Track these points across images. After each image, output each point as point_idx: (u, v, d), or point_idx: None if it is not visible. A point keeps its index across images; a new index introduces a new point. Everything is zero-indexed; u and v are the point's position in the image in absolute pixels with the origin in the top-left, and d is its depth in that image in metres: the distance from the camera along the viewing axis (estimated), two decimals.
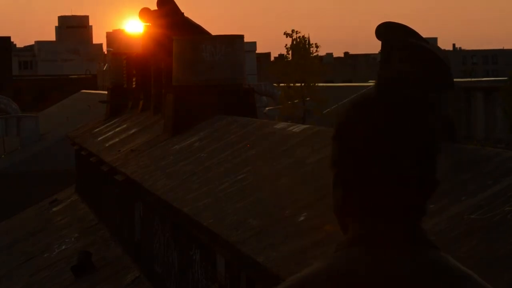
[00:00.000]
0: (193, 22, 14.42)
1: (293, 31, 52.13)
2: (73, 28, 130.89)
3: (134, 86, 18.11)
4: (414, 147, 1.86)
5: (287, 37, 51.83)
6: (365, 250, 1.87)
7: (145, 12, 15.21)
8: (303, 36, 52.07)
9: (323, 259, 1.91)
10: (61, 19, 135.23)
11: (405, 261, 1.85)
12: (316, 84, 51.19)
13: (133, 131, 15.48)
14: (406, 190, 1.87)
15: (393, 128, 1.86)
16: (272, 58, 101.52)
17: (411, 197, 1.88)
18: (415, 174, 1.87)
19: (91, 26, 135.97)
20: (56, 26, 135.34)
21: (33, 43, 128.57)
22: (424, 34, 6.68)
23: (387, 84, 1.91)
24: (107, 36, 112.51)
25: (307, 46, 52.09)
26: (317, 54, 53.34)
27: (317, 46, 52.38)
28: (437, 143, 1.91)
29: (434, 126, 1.90)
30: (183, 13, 14.53)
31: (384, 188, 1.87)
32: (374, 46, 69.90)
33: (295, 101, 50.10)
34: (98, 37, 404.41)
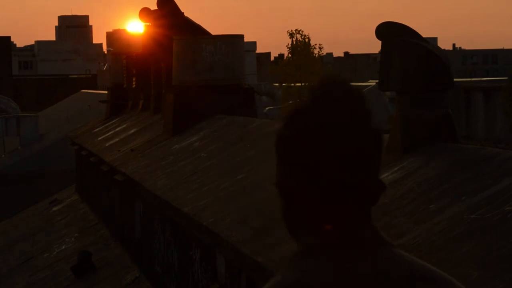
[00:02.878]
0: (194, 22, 14.41)
1: (296, 30, 52.02)
2: (73, 28, 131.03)
3: (134, 86, 18.11)
4: (349, 154, 1.83)
5: (290, 37, 51.69)
6: (313, 262, 1.87)
7: (145, 12, 15.21)
8: (307, 35, 51.92)
9: (280, 271, 1.91)
10: (61, 19, 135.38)
11: (356, 266, 1.84)
12: None
13: (133, 131, 15.48)
14: (347, 197, 1.85)
15: (326, 137, 1.83)
16: (272, 58, 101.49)
17: (353, 204, 1.86)
18: (354, 180, 1.84)
19: (91, 26, 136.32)
20: (56, 26, 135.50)
21: (33, 43, 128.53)
22: (424, 34, 6.68)
23: (318, 93, 1.88)
24: (107, 36, 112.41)
25: (306, 44, 51.96)
26: (321, 55, 53.27)
27: (320, 48, 52.31)
28: (376, 146, 1.87)
29: (369, 131, 1.86)
30: (183, 13, 14.53)
31: (324, 196, 1.85)
32: (374, 46, 69.97)
33: (296, 101, 49.95)
34: (98, 37, 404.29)
